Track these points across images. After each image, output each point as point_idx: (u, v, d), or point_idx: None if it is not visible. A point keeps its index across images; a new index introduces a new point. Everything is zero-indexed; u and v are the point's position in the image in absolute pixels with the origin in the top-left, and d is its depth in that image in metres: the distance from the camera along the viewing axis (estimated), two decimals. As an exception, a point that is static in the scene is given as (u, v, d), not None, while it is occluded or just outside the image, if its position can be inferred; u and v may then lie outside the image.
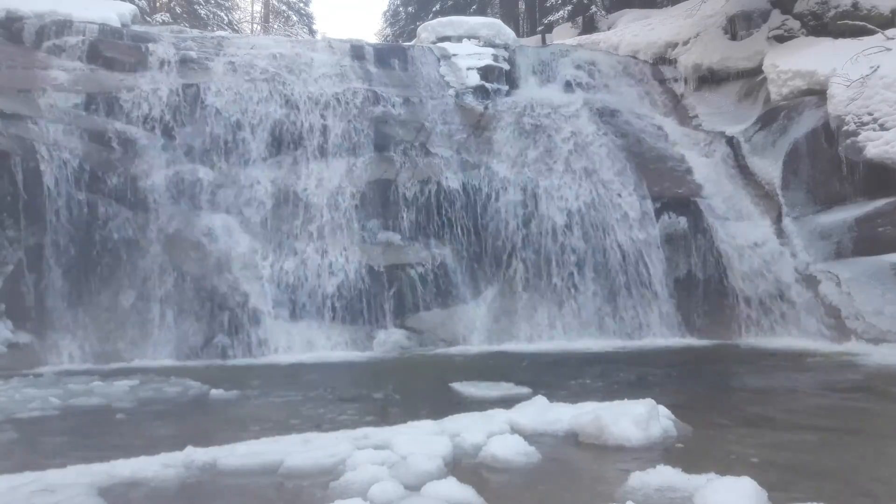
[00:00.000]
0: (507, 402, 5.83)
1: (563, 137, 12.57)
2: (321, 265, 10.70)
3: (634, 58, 16.13)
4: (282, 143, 11.66)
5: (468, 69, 13.97)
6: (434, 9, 31.91)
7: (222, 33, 16.41)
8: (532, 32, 26.83)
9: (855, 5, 13.24)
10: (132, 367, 8.93)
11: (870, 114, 10.57)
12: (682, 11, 17.25)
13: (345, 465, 4.24)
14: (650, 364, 8.92)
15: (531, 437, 4.83)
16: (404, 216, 11.40)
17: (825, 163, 11.36)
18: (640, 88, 15.16)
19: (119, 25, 12.68)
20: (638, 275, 11.14)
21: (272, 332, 10.06)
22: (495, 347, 10.33)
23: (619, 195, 11.74)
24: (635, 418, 4.85)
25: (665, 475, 3.91)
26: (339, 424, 5.51)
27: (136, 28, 13.27)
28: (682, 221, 11.48)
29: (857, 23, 12.57)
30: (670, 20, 17.05)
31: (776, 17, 14.42)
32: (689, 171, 12.17)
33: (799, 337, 10.26)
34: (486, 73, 14.04)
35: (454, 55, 14.37)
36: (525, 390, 6.75)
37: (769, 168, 11.99)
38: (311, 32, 42.11)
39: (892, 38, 11.71)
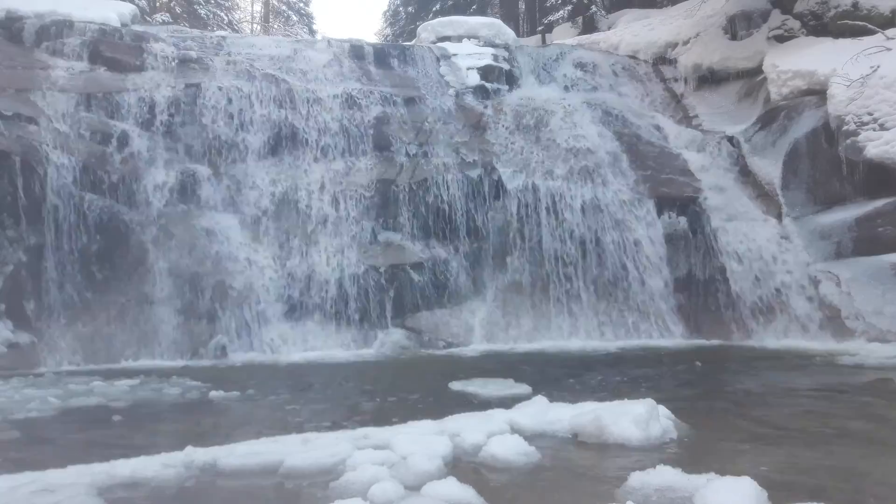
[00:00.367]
0: (507, 402, 5.83)
1: (563, 137, 12.57)
2: (321, 265, 10.70)
3: (634, 58, 16.13)
4: (282, 142, 11.65)
5: (468, 69, 13.97)
6: (434, 9, 31.90)
7: (222, 33, 16.41)
8: (532, 32, 26.83)
9: (855, 5, 13.24)
10: (132, 367, 8.93)
11: (870, 114, 10.58)
12: (682, 11, 17.26)
13: (345, 465, 4.24)
14: (650, 364, 8.92)
15: (531, 437, 4.82)
16: (404, 216, 11.40)
17: (825, 163, 11.36)
18: (641, 88, 15.16)
19: (119, 25, 12.67)
20: (638, 275, 11.14)
21: (272, 332, 10.06)
22: (495, 347, 10.33)
23: (619, 195, 11.74)
24: (635, 418, 4.85)
25: (665, 475, 3.91)
26: (339, 424, 5.51)
27: (136, 28, 13.26)
28: (682, 221, 11.48)
29: (857, 23, 12.58)
30: (670, 20, 17.05)
31: (776, 17, 14.42)
32: (688, 171, 12.17)
33: (799, 337, 10.27)
34: (486, 72, 14.04)
35: (454, 55, 14.37)
36: (525, 390, 6.76)
37: (769, 168, 11.99)
38: (311, 32, 42.09)
39: (892, 38, 11.72)
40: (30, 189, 9.82)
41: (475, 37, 15.40)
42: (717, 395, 7.10)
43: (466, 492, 3.75)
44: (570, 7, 24.85)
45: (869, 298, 10.19)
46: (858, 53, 11.39)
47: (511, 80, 14.46)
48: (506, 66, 14.55)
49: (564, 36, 21.68)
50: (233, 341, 9.82)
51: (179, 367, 8.95)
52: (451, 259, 11.29)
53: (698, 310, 10.96)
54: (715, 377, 8.19)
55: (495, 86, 13.94)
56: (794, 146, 11.75)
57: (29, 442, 5.45)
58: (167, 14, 30.34)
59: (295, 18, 42.94)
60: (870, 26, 12.38)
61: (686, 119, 14.24)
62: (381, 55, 13.97)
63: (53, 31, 11.95)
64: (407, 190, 11.52)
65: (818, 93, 11.81)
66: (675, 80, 15.29)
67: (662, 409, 5.15)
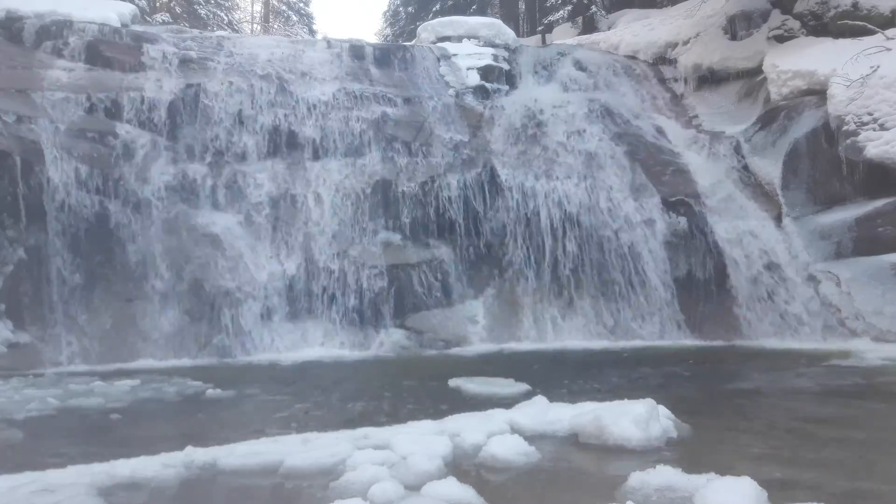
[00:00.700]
0: (507, 402, 5.83)
1: (563, 137, 12.57)
2: (321, 265, 10.70)
3: (634, 58, 16.14)
4: (282, 142, 11.65)
5: (468, 69, 13.97)
6: (434, 9, 31.91)
7: (222, 33, 16.41)
8: (532, 32, 26.84)
9: (855, 5, 13.24)
10: (133, 367, 8.93)
11: (870, 114, 10.58)
12: (682, 11, 17.27)
13: (345, 465, 4.24)
14: (650, 364, 8.92)
15: (531, 437, 4.83)
16: (404, 216, 11.39)
17: (825, 163, 11.36)
18: (640, 88, 15.15)
19: (119, 25, 12.67)
20: (638, 275, 11.14)
21: (272, 332, 10.06)
22: (495, 347, 10.33)
23: (619, 195, 11.73)
24: (635, 418, 4.85)
25: (665, 475, 3.91)
26: (339, 424, 5.51)
27: (136, 28, 13.26)
28: (682, 221, 11.47)
29: (857, 23, 12.58)
30: (670, 20, 17.06)
31: (776, 17, 14.42)
32: (688, 171, 12.16)
33: (799, 337, 10.27)
34: (486, 72, 14.04)
35: (454, 55, 14.37)
36: (525, 390, 6.76)
37: (769, 168, 11.99)
38: (311, 32, 42.09)
39: (892, 38, 11.72)
40: (30, 189, 9.82)
41: (475, 37, 15.40)
42: (717, 395, 7.10)
43: (466, 492, 3.75)
44: (570, 7, 24.85)
45: (869, 298, 10.19)
46: (858, 53, 11.39)
47: (511, 80, 14.46)
48: (506, 67, 14.55)
49: (564, 36, 21.69)
50: (233, 341, 9.82)
51: (179, 367, 8.94)
52: (451, 259, 11.29)
53: (698, 310, 10.95)
54: (715, 377, 8.19)
55: (495, 86, 13.94)
56: (794, 146, 11.75)
57: (29, 442, 5.45)
58: (167, 14, 30.34)
59: (295, 18, 42.94)
60: (870, 26, 12.38)
61: (686, 119, 14.24)
62: (381, 55, 13.97)
63: (53, 31, 11.95)
64: (407, 190, 11.51)
65: (818, 93, 11.81)
66: (675, 81, 15.29)
67: (662, 409, 5.15)
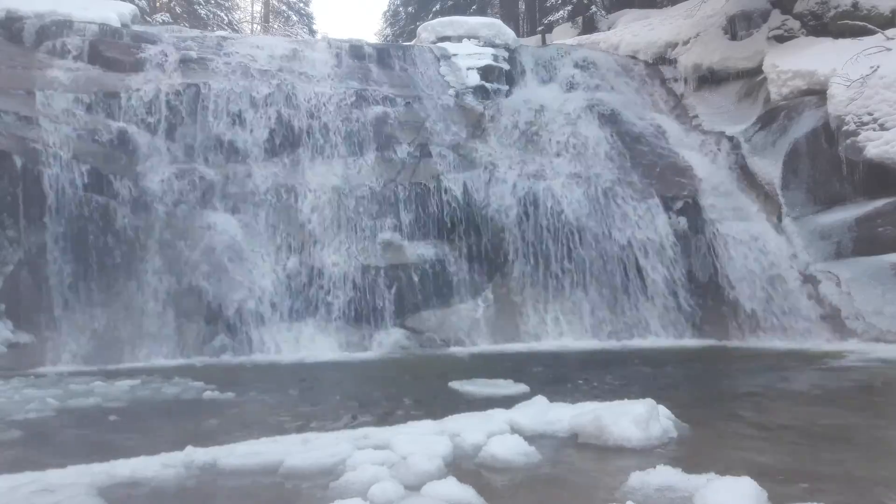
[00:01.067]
0: (507, 402, 5.83)
1: (563, 137, 12.57)
2: (321, 265, 10.70)
3: (634, 58, 16.15)
4: (282, 142, 11.66)
5: (468, 69, 13.97)
6: (434, 9, 31.92)
7: (222, 33, 16.41)
8: (532, 32, 26.84)
9: (855, 5, 13.24)
10: (133, 367, 8.92)
11: (870, 114, 10.58)
12: (682, 11, 17.28)
13: (345, 465, 4.24)
14: (650, 364, 8.92)
15: (531, 437, 4.82)
16: (404, 216, 11.40)
17: (825, 163, 11.37)
18: (641, 88, 15.16)
19: (119, 25, 12.67)
20: (638, 275, 11.14)
21: (272, 332, 10.06)
22: (495, 347, 10.33)
23: (619, 195, 11.73)
24: (635, 418, 4.85)
25: (665, 475, 3.91)
26: (339, 424, 5.51)
27: (136, 28, 13.26)
28: (682, 221, 11.48)
29: (857, 23, 12.59)
30: (670, 20, 17.06)
31: (776, 17, 14.43)
32: (688, 170, 12.17)
33: (799, 337, 10.27)
34: (486, 73, 14.05)
35: (454, 55, 14.37)
36: (525, 390, 6.75)
37: (769, 168, 11.99)
38: (311, 32, 42.12)
39: (892, 38, 11.72)
40: (30, 189, 9.82)
41: (475, 37, 15.40)
42: (717, 395, 7.10)
43: (466, 492, 3.75)
44: (570, 7, 24.86)
45: (869, 298, 10.19)
46: (858, 53, 11.40)
47: (511, 80, 14.47)
48: (506, 67, 14.56)
49: (564, 36, 21.69)
50: (233, 341, 9.82)
51: (180, 367, 8.94)
52: (451, 259, 11.29)
53: (698, 310, 10.95)
54: (715, 377, 8.19)
55: (495, 86, 13.94)
56: (794, 146, 11.76)
57: (29, 442, 5.44)
58: (167, 14, 30.35)
59: (295, 18, 42.95)
60: (870, 26, 12.39)
61: (686, 119, 14.25)
62: (382, 55, 13.97)
63: (53, 31, 11.95)
64: (407, 190, 11.52)
65: (818, 93, 11.81)
66: (675, 80, 15.30)
67: (662, 409, 5.15)
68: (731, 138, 12.75)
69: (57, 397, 6.75)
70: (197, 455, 4.47)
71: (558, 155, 12.29)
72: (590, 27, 21.71)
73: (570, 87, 14.58)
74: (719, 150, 12.62)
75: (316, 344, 10.12)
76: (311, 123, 11.88)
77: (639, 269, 11.16)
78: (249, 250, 10.56)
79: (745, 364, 8.81)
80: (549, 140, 12.54)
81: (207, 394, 6.98)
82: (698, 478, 3.82)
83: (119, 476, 4.17)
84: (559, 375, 8.05)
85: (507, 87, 14.15)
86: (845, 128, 10.74)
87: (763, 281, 10.84)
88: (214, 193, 10.88)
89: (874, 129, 10.43)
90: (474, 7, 30.38)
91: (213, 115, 11.47)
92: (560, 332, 10.77)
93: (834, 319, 10.29)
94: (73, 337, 9.41)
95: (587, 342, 10.50)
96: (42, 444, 5.40)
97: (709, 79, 14.77)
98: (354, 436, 4.85)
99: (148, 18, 24.84)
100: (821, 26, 13.69)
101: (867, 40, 11.90)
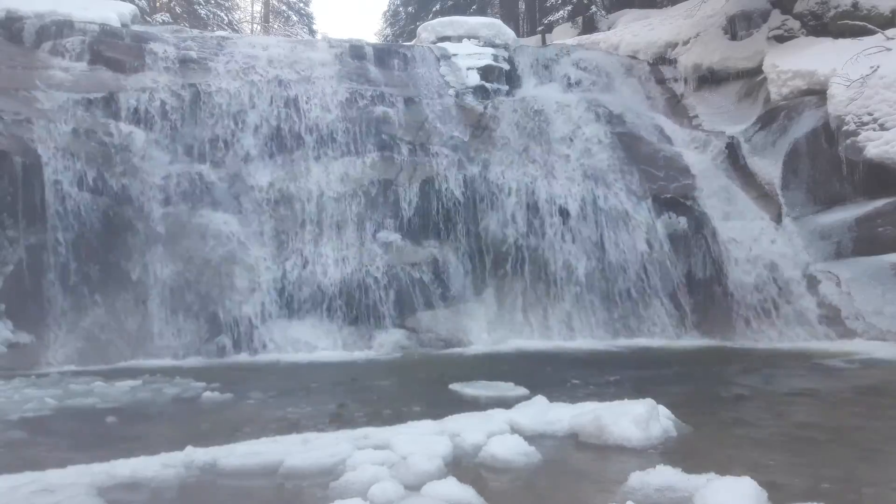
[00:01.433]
0: (507, 402, 5.83)
1: (563, 137, 12.57)
2: (321, 265, 10.70)
3: (634, 58, 16.13)
4: (282, 142, 11.65)
5: (468, 69, 13.97)
6: (434, 9, 31.92)
7: (222, 33, 16.41)
8: (532, 32, 26.84)
9: (855, 5, 13.24)
10: (133, 367, 8.92)
11: (870, 114, 10.58)
12: (682, 11, 17.27)
13: (345, 465, 4.24)
14: (650, 364, 8.92)
15: (531, 437, 4.83)
16: (404, 216, 11.40)
17: (825, 163, 11.37)
18: (640, 88, 15.16)
19: (119, 25, 12.66)
20: (638, 275, 11.14)
21: (272, 332, 10.06)
22: (495, 347, 10.32)
23: (619, 195, 11.74)
24: (635, 418, 4.85)
25: (665, 475, 3.91)
26: (339, 424, 5.51)
27: (136, 28, 13.25)
28: (682, 221, 11.48)
29: (857, 23, 12.58)
30: (670, 20, 17.06)
31: (776, 17, 14.43)
32: (689, 170, 12.16)
33: (799, 337, 10.27)
34: (486, 72, 14.04)
35: (454, 55, 14.37)
36: (524, 390, 6.75)
37: (769, 168, 11.99)
38: (311, 32, 42.11)
39: (892, 38, 11.72)
40: (30, 189, 9.82)
41: (475, 37, 15.40)
42: (716, 395, 7.10)
43: (466, 492, 3.75)
44: (570, 7, 24.86)
45: (869, 298, 10.19)
46: (858, 53, 11.39)
47: (511, 80, 14.46)
48: (506, 67, 14.55)
49: (564, 36, 21.69)
50: (233, 341, 9.82)
51: (180, 367, 8.93)
52: (451, 259, 11.29)
53: (698, 310, 10.95)
54: (715, 377, 8.19)
55: (495, 86, 13.94)
56: (794, 146, 11.75)
57: (29, 442, 5.45)
58: (167, 14, 30.34)
59: (295, 18, 42.94)
60: (870, 26, 12.38)
61: (686, 119, 14.24)
62: (381, 55, 13.96)
63: (53, 31, 11.94)
64: (407, 190, 11.52)
65: (818, 93, 11.81)
66: (675, 80, 15.29)
67: (662, 409, 5.15)
68: (731, 138, 12.74)
69: (57, 397, 6.76)
70: (197, 455, 4.47)
71: (558, 155, 12.29)
72: (590, 27, 21.71)
73: (570, 86, 14.58)
74: (719, 150, 12.61)
75: (316, 344, 10.11)
76: (311, 123, 11.88)
77: (638, 269, 11.16)
78: (249, 250, 10.56)
79: (745, 364, 8.81)
80: (549, 140, 12.53)
81: (207, 394, 6.98)
82: (698, 478, 3.83)
83: (119, 476, 4.17)
84: (559, 375, 8.05)
85: (507, 87, 14.14)
86: (845, 128, 10.74)
87: (763, 281, 10.84)
88: (214, 193, 10.88)
89: (874, 129, 10.43)
90: (474, 7, 30.38)
91: (212, 115, 11.47)
92: (560, 331, 10.77)
93: (834, 319, 10.29)
94: (73, 337, 9.41)
95: (587, 342, 10.49)
96: (42, 445, 5.40)
97: (709, 79, 14.77)
98: (354, 436, 4.85)
99: (148, 18, 24.85)
100: (821, 26, 13.68)
101: (867, 40, 11.90)
